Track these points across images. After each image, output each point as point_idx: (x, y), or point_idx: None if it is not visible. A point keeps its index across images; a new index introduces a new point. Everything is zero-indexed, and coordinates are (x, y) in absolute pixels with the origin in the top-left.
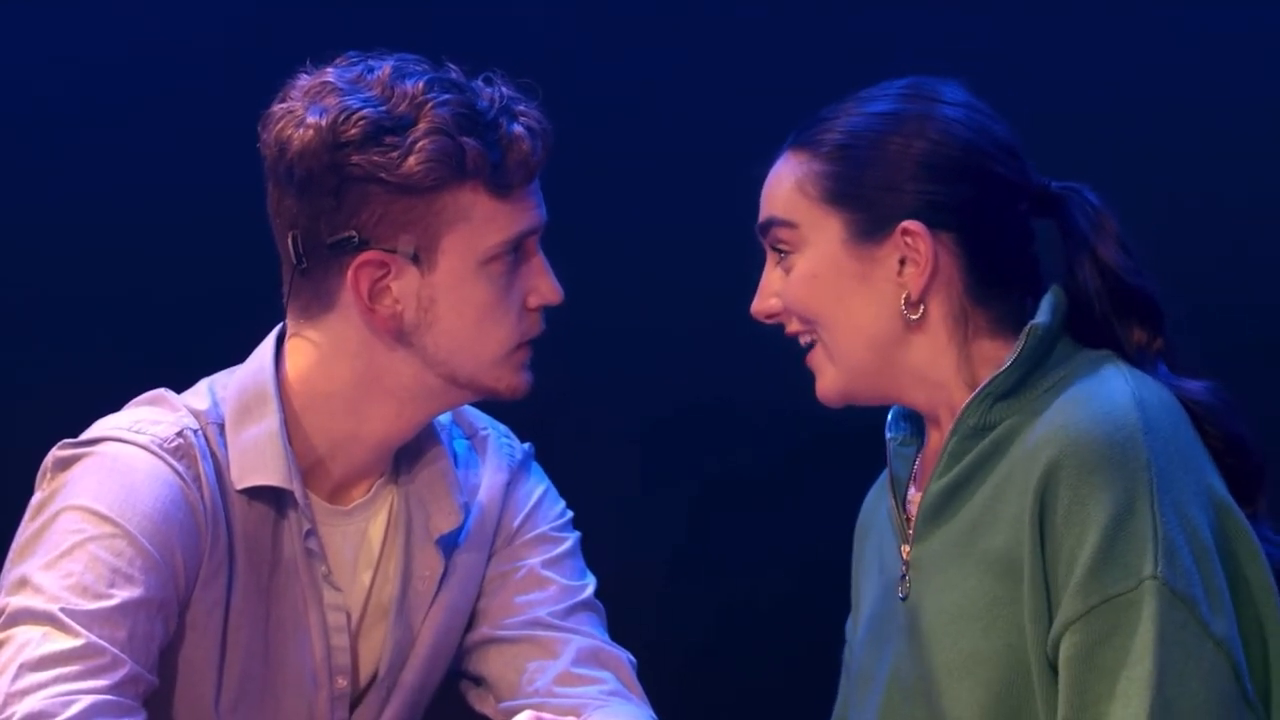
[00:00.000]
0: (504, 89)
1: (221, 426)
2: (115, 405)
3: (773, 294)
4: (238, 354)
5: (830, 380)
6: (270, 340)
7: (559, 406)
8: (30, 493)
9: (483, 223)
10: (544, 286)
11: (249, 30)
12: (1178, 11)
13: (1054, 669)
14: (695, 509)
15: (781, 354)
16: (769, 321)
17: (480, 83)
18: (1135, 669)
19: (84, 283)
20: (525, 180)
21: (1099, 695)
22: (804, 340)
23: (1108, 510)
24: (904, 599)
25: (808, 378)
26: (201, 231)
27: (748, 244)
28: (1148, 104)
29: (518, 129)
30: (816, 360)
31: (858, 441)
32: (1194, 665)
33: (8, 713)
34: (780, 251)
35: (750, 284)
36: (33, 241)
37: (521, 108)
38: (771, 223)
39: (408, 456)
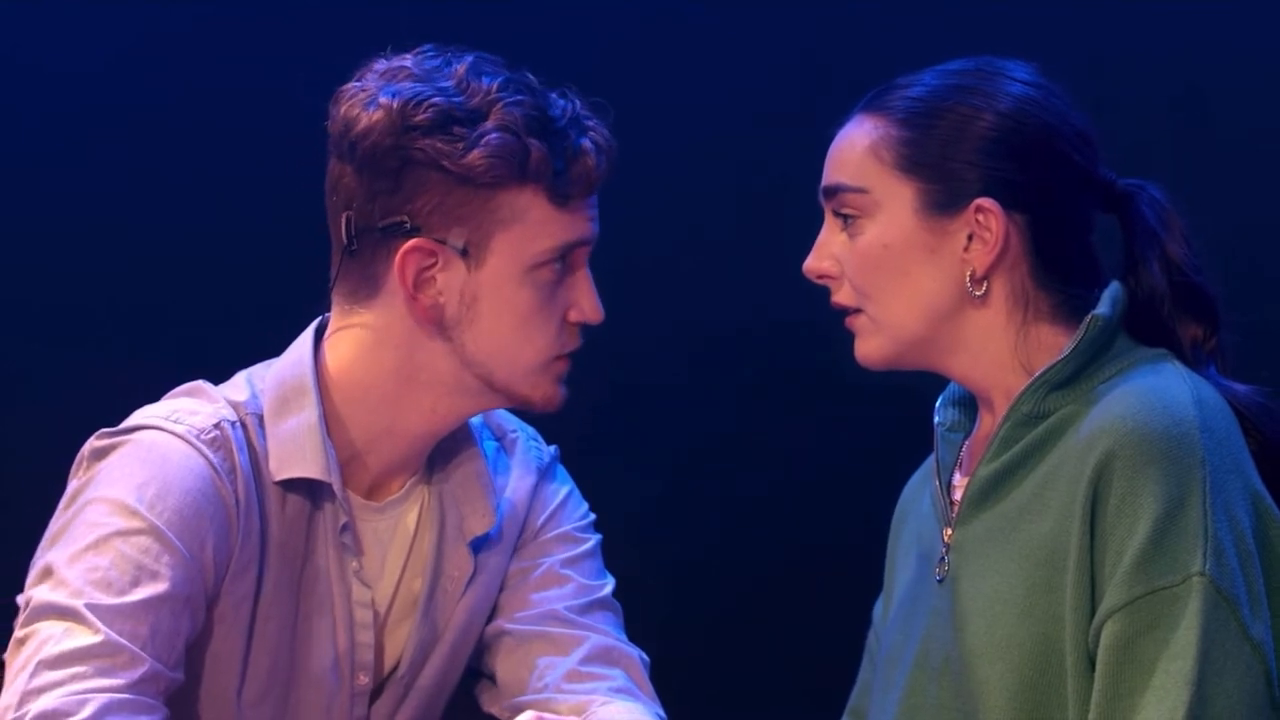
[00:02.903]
0: (576, 102)
1: (260, 418)
2: (148, 399)
3: (830, 256)
4: (269, 348)
5: (875, 346)
6: (309, 333)
7: (577, 409)
8: (60, 486)
9: (536, 227)
10: (586, 303)
11: (295, 23)
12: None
13: (1091, 660)
14: (708, 512)
15: (795, 357)
16: (819, 282)
17: (554, 94)
18: (1175, 663)
19: (117, 279)
20: (584, 193)
21: (1135, 686)
22: (850, 311)
23: (1160, 503)
24: (940, 581)
25: (819, 380)
26: (230, 228)
27: (754, 245)
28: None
29: (585, 143)
30: (860, 324)
31: (869, 445)
32: (1231, 665)
33: (22, 710)
34: (845, 217)
35: (757, 283)
36: (59, 237)
37: (592, 123)
38: (840, 188)
39: (442, 456)
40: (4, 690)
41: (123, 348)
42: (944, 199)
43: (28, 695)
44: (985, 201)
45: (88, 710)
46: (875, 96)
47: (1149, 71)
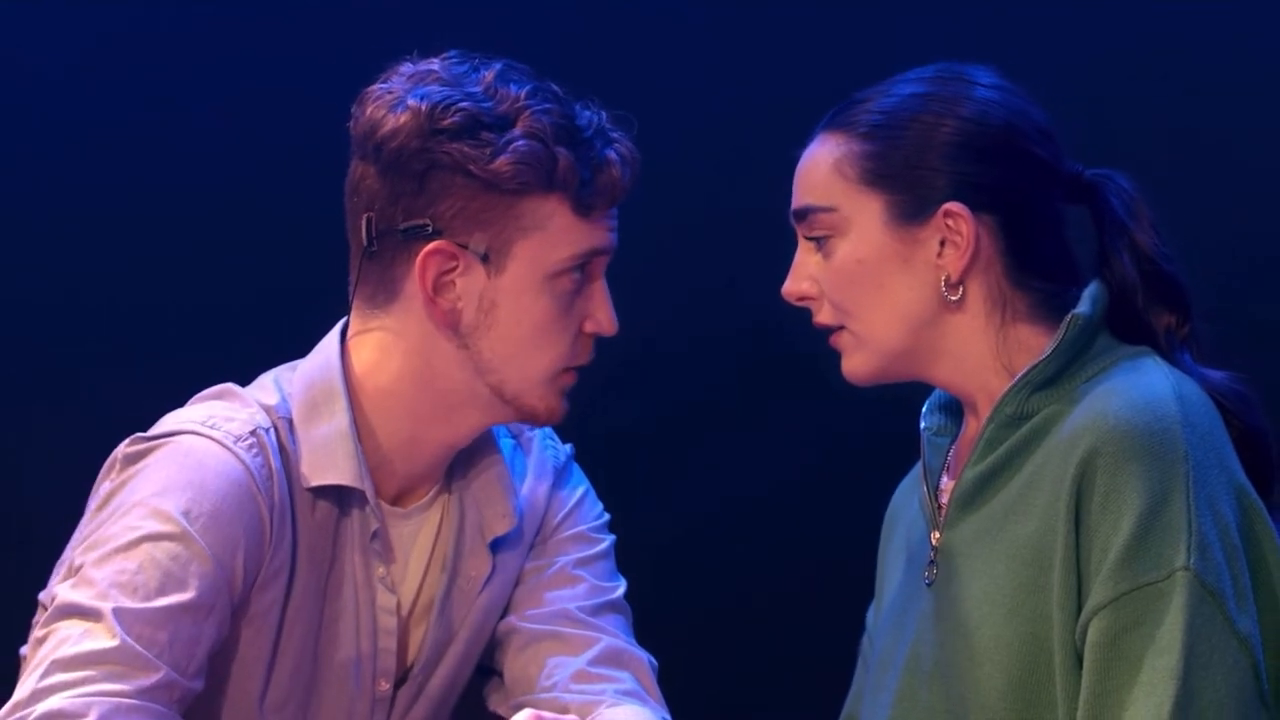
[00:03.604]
0: (602, 114)
1: (290, 421)
2: (158, 401)
3: (807, 277)
4: (274, 349)
5: (860, 361)
6: (334, 336)
7: (573, 411)
8: (76, 488)
9: (558, 235)
10: (601, 315)
11: (305, 23)
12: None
13: (1079, 657)
14: (701, 516)
15: (791, 361)
16: (799, 304)
17: (580, 105)
18: (1161, 658)
19: (127, 281)
20: (608, 204)
21: (1122, 682)
22: (833, 329)
23: (1143, 499)
24: (929, 584)
25: (815, 385)
26: (237, 231)
27: (753, 247)
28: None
29: (611, 154)
30: (844, 342)
31: (869, 449)
32: (1218, 659)
33: (31, 707)
34: (818, 238)
35: (754, 285)
36: (73, 239)
37: (617, 135)
38: (809, 209)
39: (464, 459)
40: (19, 685)
41: (125, 349)
42: (912, 208)
43: (38, 693)
44: (953, 205)
45: (91, 715)
46: (836, 114)
47: (1149, 71)
